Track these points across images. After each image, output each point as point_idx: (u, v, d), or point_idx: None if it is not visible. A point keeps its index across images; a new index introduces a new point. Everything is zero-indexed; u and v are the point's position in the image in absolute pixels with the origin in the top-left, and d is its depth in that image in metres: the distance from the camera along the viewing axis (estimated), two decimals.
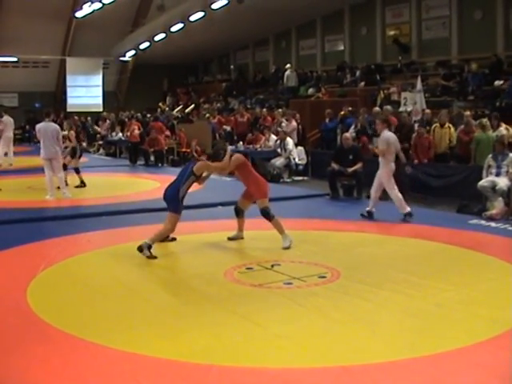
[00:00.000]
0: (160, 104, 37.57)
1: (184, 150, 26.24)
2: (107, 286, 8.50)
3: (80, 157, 18.72)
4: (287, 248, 10.22)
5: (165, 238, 10.55)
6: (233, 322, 6.93)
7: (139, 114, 32.91)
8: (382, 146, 13.09)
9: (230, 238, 10.97)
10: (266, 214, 10.52)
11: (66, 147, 17.59)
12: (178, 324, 6.93)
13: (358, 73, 29.00)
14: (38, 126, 16.16)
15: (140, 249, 9.81)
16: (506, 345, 6.06)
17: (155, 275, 9.05)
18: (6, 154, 23.94)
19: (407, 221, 12.59)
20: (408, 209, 12.75)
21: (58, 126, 16.52)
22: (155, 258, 9.77)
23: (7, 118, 23.92)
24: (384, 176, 12.96)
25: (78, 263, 9.73)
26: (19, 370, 5.80)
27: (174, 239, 10.77)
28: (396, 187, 12.96)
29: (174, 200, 10.19)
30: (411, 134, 17.54)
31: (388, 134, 13.20)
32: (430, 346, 6.12)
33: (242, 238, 11.05)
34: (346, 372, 5.64)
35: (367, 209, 13.06)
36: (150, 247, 9.82)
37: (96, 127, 33.28)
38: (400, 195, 12.88)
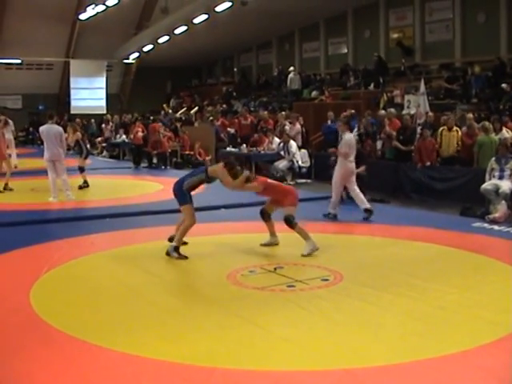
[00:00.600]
0: (164, 106, 37.58)
1: (187, 152, 26.24)
2: (110, 289, 8.51)
3: (86, 158, 18.81)
4: (306, 255, 9.95)
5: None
6: (236, 325, 6.93)
7: (141, 117, 32.93)
8: (344, 148, 13.34)
9: (262, 245, 10.72)
10: (289, 221, 10.22)
11: (68, 149, 17.65)
12: (181, 326, 6.93)
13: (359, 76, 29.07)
14: (41, 128, 16.17)
15: (167, 253, 9.88)
16: (508, 348, 6.07)
17: (158, 277, 9.04)
18: (9, 156, 23.94)
19: (367, 217, 13.05)
20: (368, 205, 13.26)
21: (61, 128, 16.54)
22: (186, 257, 9.83)
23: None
24: (339, 176, 13.38)
25: (81, 265, 9.74)
26: (22, 372, 5.81)
27: (185, 243, 10.53)
28: (356, 185, 13.49)
29: (179, 191, 10.19)
30: (414, 137, 17.54)
31: (350, 136, 13.70)
32: (432, 348, 6.11)
33: (277, 244, 10.75)
34: (348, 375, 5.64)
35: (330, 211, 13.46)
36: (176, 249, 9.88)
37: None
38: (361, 194, 13.41)
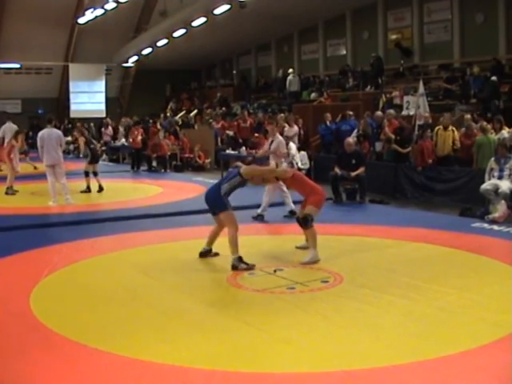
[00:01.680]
0: (169, 107, 37.73)
1: (187, 155, 26.27)
2: (110, 292, 8.51)
3: (91, 162, 18.68)
4: (304, 264, 9.72)
5: (207, 253, 10.15)
6: (236, 327, 6.93)
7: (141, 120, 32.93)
8: (273, 148, 13.94)
9: (298, 247, 10.53)
10: (306, 220, 9.87)
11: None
12: (181, 329, 6.93)
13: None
14: (40, 133, 16.14)
15: (234, 267, 9.34)
16: (509, 348, 6.07)
17: (158, 281, 9.04)
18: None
19: (288, 216, 13.37)
20: (293, 207, 13.53)
21: (60, 132, 16.56)
22: (254, 265, 9.41)
23: (8, 125, 23.82)
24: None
25: (81, 269, 9.73)
26: (22, 376, 5.81)
27: (216, 254, 10.20)
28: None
29: (217, 198, 9.74)
30: (411, 138, 17.55)
31: (281, 138, 14.33)
32: (433, 349, 6.12)
33: (319, 260, 9.88)
34: (348, 376, 5.64)
35: (258, 211, 13.54)
36: (240, 259, 9.41)
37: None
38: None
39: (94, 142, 19.69)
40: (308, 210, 9.97)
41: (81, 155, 19.82)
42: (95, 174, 18.43)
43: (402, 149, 17.71)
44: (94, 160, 18.59)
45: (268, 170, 10.58)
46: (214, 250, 10.22)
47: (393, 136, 18.06)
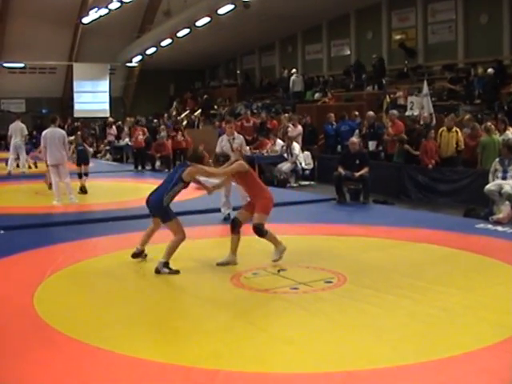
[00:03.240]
0: (174, 106, 37.79)
1: None
2: (113, 291, 8.51)
3: (78, 164, 18.50)
4: (277, 260, 9.66)
5: (139, 254, 9.98)
6: (239, 327, 6.93)
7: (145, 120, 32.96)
8: (237, 146, 14.07)
9: (219, 264, 9.71)
10: (259, 230, 9.56)
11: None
12: (185, 329, 6.94)
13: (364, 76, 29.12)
14: (44, 132, 16.12)
15: (157, 271, 9.21)
16: None
17: (161, 280, 9.03)
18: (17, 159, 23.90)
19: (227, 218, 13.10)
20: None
21: (64, 132, 16.54)
22: (178, 271, 9.23)
23: (16, 124, 23.83)
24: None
25: (84, 268, 9.73)
26: (25, 375, 5.81)
27: (146, 256, 10.04)
28: None
29: (159, 208, 9.49)
30: (421, 139, 17.50)
31: (241, 137, 14.53)
32: (436, 350, 6.10)
33: (236, 264, 9.70)
34: (351, 377, 5.63)
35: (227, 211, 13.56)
36: (166, 264, 9.25)
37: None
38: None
39: (84, 144, 19.44)
40: (257, 220, 9.61)
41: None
42: (80, 175, 18.24)
43: (412, 148, 17.63)
44: (80, 162, 18.43)
45: (216, 171, 10.07)
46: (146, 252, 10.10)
47: (405, 136, 17.97)
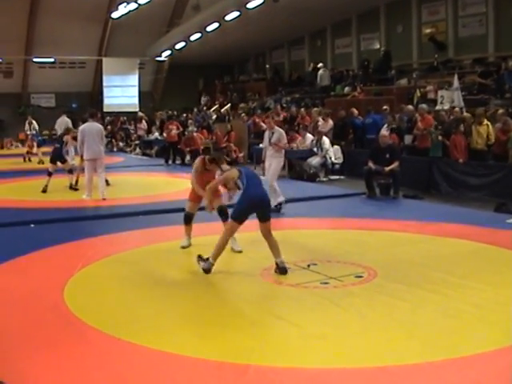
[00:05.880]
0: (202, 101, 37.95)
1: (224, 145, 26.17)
2: (144, 286, 8.54)
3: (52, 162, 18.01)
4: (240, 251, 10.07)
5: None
6: (269, 322, 6.95)
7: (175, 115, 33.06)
8: (274, 140, 14.32)
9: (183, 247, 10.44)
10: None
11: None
12: (215, 324, 6.95)
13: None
14: (82, 127, 16.15)
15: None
16: None
17: (191, 275, 9.05)
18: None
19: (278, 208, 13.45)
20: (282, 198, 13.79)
21: (101, 126, 16.65)
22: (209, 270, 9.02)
23: (62, 119, 24.09)
24: (276, 167, 14.26)
25: (114, 263, 9.79)
26: (56, 369, 5.87)
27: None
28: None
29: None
30: (451, 132, 17.38)
31: (281, 130, 14.84)
32: (467, 346, 6.08)
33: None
34: (382, 372, 5.62)
35: (279, 200, 13.74)
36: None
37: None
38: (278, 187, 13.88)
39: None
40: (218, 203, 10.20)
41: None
42: (69, 171, 17.99)
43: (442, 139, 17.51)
44: (52, 160, 17.89)
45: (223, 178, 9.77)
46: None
47: (434, 130, 17.81)
